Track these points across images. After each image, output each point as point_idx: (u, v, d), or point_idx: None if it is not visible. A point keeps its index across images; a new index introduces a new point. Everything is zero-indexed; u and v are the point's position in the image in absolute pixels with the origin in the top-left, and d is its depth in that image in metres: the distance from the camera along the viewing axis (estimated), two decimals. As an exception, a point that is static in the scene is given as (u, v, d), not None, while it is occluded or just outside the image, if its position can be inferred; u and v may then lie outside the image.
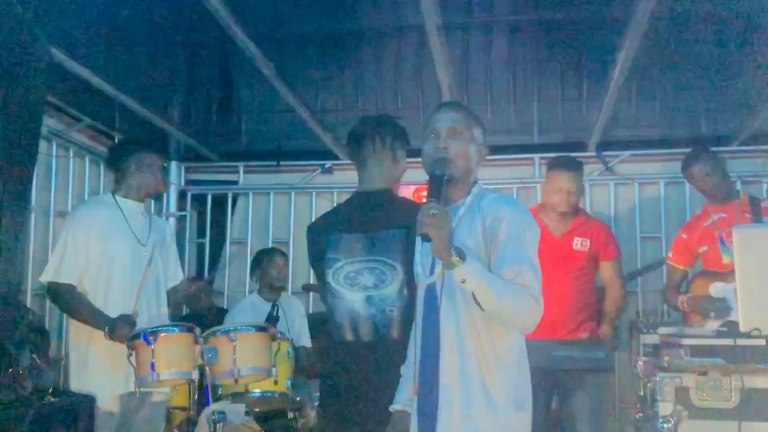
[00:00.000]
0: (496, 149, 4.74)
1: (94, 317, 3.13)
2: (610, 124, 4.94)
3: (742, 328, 2.01)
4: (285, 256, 4.87)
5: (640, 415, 2.20)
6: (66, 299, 3.20)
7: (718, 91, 4.66)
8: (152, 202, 5.75)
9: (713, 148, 4.44)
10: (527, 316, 1.96)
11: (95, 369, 3.16)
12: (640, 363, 2.21)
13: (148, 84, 4.59)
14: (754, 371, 1.98)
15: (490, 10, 3.94)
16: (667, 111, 4.93)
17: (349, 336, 2.50)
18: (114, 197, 3.40)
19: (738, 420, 1.95)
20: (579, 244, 3.80)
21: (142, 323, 3.13)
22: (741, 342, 2.00)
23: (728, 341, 2.02)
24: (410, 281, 2.41)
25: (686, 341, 2.07)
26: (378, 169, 2.70)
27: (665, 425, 1.98)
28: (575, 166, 3.92)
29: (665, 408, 2.00)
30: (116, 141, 5.04)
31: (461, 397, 2.00)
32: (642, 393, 2.19)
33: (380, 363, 2.40)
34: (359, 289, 2.47)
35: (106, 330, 3.08)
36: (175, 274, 3.59)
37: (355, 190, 2.80)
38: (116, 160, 3.51)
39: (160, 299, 3.40)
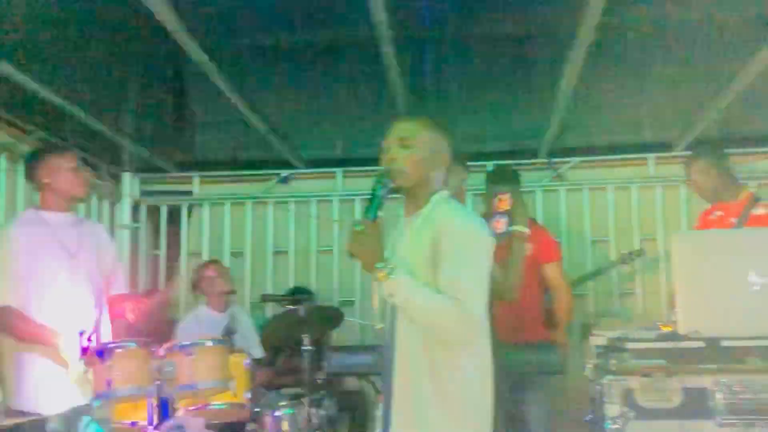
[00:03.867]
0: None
1: (39, 333, 3.06)
2: (559, 132, 5.08)
3: (682, 331, 2.11)
4: (220, 262, 4.86)
5: (590, 416, 2.28)
6: (5, 322, 3.12)
7: (660, 99, 4.84)
8: (99, 210, 5.70)
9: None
10: (456, 328, 1.98)
11: (35, 386, 3.09)
12: (589, 365, 2.29)
13: (99, 96, 4.54)
14: (694, 371, 2.08)
15: (442, 23, 4.01)
16: (613, 118, 5.08)
17: None
18: (38, 212, 3.30)
19: (680, 419, 2.04)
20: None
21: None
22: (681, 344, 2.09)
23: (670, 343, 2.12)
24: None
25: (630, 344, 2.16)
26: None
27: (612, 426, 2.07)
28: (512, 178, 4.01)
29: (612, 409, 2.09)
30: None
31: (412, 407, 2.03)
32: (591, 395, 2.27)
33: None
34: None
35: (57, 342, 3.01)
36: (117, 281, 3.50)
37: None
38: (29, 173, 3.38)
39: (101, 308, 3.31)
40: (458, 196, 3.19)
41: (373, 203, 2.08)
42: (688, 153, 4.22)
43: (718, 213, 3.74)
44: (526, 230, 3.10)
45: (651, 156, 5.49)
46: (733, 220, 3.57)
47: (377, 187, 2.10)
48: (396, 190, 2.15)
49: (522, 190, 5.60)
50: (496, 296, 2.88)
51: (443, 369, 2.01)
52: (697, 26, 4.22)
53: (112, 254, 3.55)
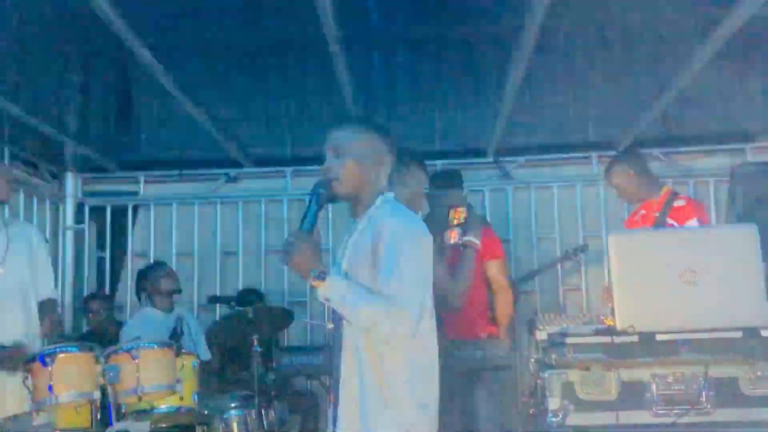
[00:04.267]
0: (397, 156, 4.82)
1: None
2: (506, 132, 5.17)
3: (619, 326, 2.18)
4: (166, 264, 4.79)
5: (533, 410, 2.34)
6: None
7: (603, 99, 4.97)
8: (39, 210, 5.55)
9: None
10: (389, 326, 2.02)
11: None
12: (532, 360, 2.35)
13: (40, 94, 4.43)
14: (630, 365, 2.15)
15: (390, 23, 4.05)
16: (558, 118, 5.20)
17: None
18: None
19: (617, 411, 2.11)
20: None
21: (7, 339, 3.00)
22: (618, 339, 2.17)
23: (606, 338, 2.19)
24: None
25: (570, 339, 2.23)
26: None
27: (554, 419, 2.13)
28: (455, 182, 4.07)
29: (553, 402, 2.15)
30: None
31: (357, 404, 2.07)
32: (534, 389, 2.33)
33: None
34: None
35: None
36: (44, 284, 3.40)
37: None
38: None
39: (28, 313, 3.24)
40: (417, 198, 3.25)
41: (306, 215, 2.12)
42: (608, 161, 4.33)
43: (642, 212, 3.90)
44: (478, 242, 3.19)
45: (594, 155, 5.63)
46: (656, 214, 3.71)
47: (311, 198, 2.13)
48: (335, 199, 2.17)
49: (470, 189, 5.72)
50: (442, 304, 2.98)
51: (386, 365, 2.05)
52: (637, 28, 4.36)
53: (43, 256, 3.44)
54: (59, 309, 3.65)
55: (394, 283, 2.02)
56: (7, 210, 3.42)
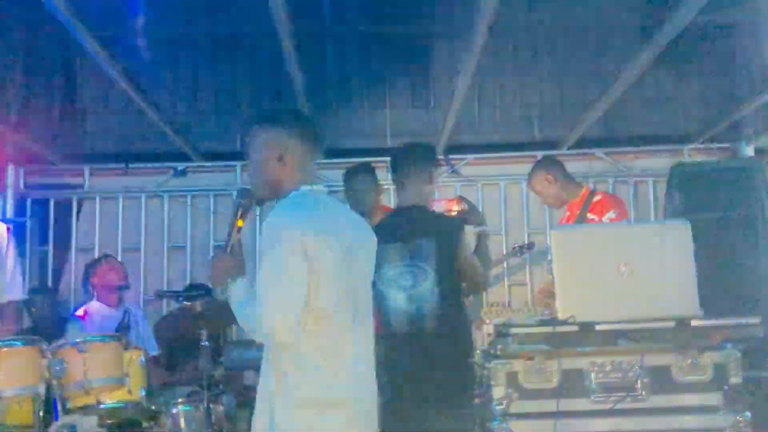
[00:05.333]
0: (352, 152, 4.89)
1: None
2: (455, 129, 5.26)
3: (560, 317, 2.28)
4: (113, 257, 4.72)
5: (479, 399, 2.42)
6: None
7: (548, 99, 5.12)
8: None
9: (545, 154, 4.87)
10: (250, 325, 2.05)
11: None
12: (479, 352, 2.43)
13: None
14: (571, 354, 2.25)
15: (343, 20, 4.08)
16: (505, 117, 5.32)
17: (394, 329, 2.98)
18: None
19: (558, 398, 2.21)
20: None
21: None
22: (559, 329, 2.26)
23: (548, 329, 2.29)
24: (440, 281, 2.99)
25: (514, 330, 2.32)
26: (416, 189, 3.18)
27: (498, 407, 2.21)
28: (362, 170, 4.19)
29: (498, 391, 2.23)
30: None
31: (264, 400, 2.10)
32: (480, 379, 2.41)
33: (419, 349, 2.87)
34: (400, 289, 2.99)
35: None
36: (12, 285, 3.33)
37: (397, 206, 3.34)
38: None
39: None
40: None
41: (231, 227, 2.16)
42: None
43: (567, 214, 4.05)
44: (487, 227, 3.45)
45: (539, 153, 5.77)
46: (577, 212, 3.88)
47: (234, 210, 2.17)
48: (261, 203, 2.19)
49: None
50: (473, 288, 3.20)
51: (281, 365, 2.04)
52: (582, 30, 4.50)
53: (10, 257, 3.36)
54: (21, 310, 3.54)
55: (259, 287, 2.01)
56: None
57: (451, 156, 5.83)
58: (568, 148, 5.65)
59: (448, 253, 3.04)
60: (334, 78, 4.69)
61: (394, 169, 3.31)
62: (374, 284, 2.68)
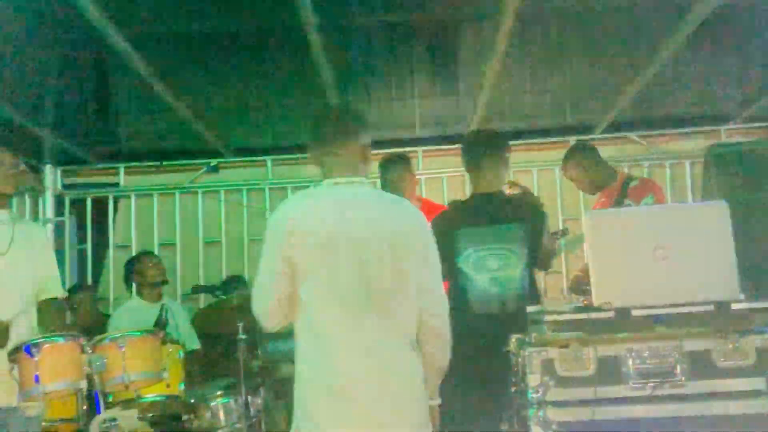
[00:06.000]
0: (382, 143, 4.87)
1: None
2: (485, 117, 5.21)
3: (595, 303, 2.24)
4: (154, 254, 4.79)
5: (514, 388, 2.40)
6: None
7: (580, 83, 5.03)
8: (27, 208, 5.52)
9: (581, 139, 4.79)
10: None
11: None
12: (512, 339, 2.41)
13: (16, 86, 4.39)
14: (607, 340, 2.22)
15: (368, 10, 4.06)
16: (536, 103, 5.25)
17: (478, 310, 3.05)
18: None
19: (595, 386, 2.18)
20: None
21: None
22: (594, 315, 2.23)
23: (584, 315, 2.26)
24: (526, 266, 3.08)
25: (548, 317, 2.29)
26: (493, 175, 3.26)
27: (534, 395, 2.19)
28: (400, 161, 4.17)
29: (534, 379, 2.21)
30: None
31: None
32: (515, 368, 2.39)
33: (502, 331, 2.80)
34: (486, 271, 3.05)
35: None
36: (48, 284, 3.34)
37: (473, 192, 3.38)
38: None
39: (30, 310, 3.19)
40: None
41: None
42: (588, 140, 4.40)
43: (602, 200, 3.99)
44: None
45: (572, 138, 5.69)
46: (614, 198, 3.82)
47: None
48: None
49: (450, 174, 5.77)
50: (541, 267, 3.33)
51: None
52: (614, 11, 4.40)
53: (48, 256, 3.42)
54: (63, 307, 3.61)
55: None
56: (15, 206, 3.37)
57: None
58: (601, 133, 5.57)
59: (534, 238, 3.13)
60: (361, 69, 4.67)
61: (469, 155, 3.37)
62: (458, 266, 2.99)
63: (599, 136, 5.49)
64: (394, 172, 4.06)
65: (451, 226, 3.16)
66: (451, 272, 3.10)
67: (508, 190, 3.52)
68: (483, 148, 3.33)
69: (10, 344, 2.93)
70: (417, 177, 4.45)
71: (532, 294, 3.15)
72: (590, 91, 5.13)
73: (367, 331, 2.18)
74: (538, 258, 3.20)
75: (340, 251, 2.19)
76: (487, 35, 4.15)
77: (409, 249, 2.22)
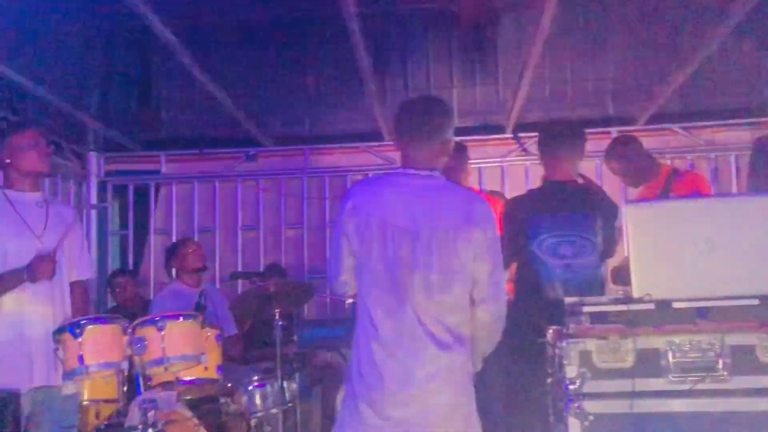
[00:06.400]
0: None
1: (4, 280, 3.02)
2: (525, 107, 5.15)
3: (635, 294, 2.20)
4: (195, 240, 4.84)
5: (551, 379, 2.38)
6: None
7: (622, 73, 4.94)
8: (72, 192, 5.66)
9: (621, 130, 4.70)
10: None
11: (3, 364, 3.01)
12: (550, 330, 2.39)
13: (63, 75, 4.49)
14: (647, 333, 2.18)
15: (406, -1, 4.05)
16: (577, 93, 5.17)
17: (550, 294, 3.03)
18: (3, 191, 3.22)
19: (633, 378, 2.15)
20: None
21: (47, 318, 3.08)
22: (634, 307, 2.20)
23: (623, 307, 2.22)
24: (599, 255, 3.09)
25: (587, 308, 2.26)
26: (570, 165, 3.28)
27: (571, 386, 2.16)
28: (455, 148, 4.09)
29: (571, 371, 2.19)
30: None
31: None
32: (550, 359, 2.37)
33: None
34: (559, 257, 3.06)
35: (26, 273, 2.99)
36: (81, 265, 3.40)
37: (547, 179, 3.35)
38: None
39: (64, 291, 3.26)
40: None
41: None
42: (623, 136, 4.30)
43: (645, 193, 3.92)
44: None
45: (614, 129, 5.59)
46: (658, 192, 3.75)
47: None
48: None
49: (488, 164, 5.74)
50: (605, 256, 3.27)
51: None
52: (657, 1, 4.31)
53: (79, 237, 3.49)
54: (92, 290, 3.69)
55: None
56: (47, 188, 3.46)
57: (520, 134, 5.73)
58: (643, 124, 5.46)
59: (608, 229, 3.13)
60: (398, 57, 4.66)
61: (546, 143, 3.37)
62: (531, 250, 3.07)
63: (641, 128, 5.39)
64: (450, 160, 4.01)
65: (526, 211, 3.20)
66: (524, 256, 3.14)
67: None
68: (560, 136, 3.32)
69: (56, 325, 3.01)
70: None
71: (601, 287, 3.17)
72: (633, 81, 5.04)
73: (403, 321, 2.24)
74: (607, 247, 3.21)
75: (387, 240, 2.25)
76: (528, 23, 4.10)
77: (464, 242, 2.24)
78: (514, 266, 3.28)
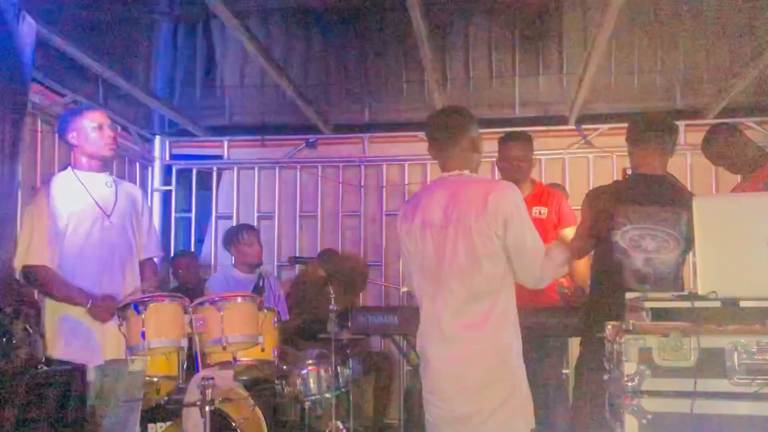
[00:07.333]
0: (480, 123, 4.81)
1: (72, 295, 3.16)
2: (589, 98, 5.04)
3: (700, 292, 2.13)
4: (255, 231, 4.88)
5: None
6: (41, 281, 3.20)
7: (692, 65, 4.77)
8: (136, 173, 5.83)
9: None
10: None
11: (70, 341, 3.18)
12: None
13: (131, 59, 4.62)
14: (711, 332, 2.10)
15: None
16: (643, 84, 5.03)
17: (630, 286, 3.00)
18: (74, 171, 3.34)
19: (695, 377, 2.07)
20: (537, 212, 3.91)
21: (117, 294, 3.20)
22: (698, 304, 2.12)
23: (687, 304, 2.15)
24: (681, 251, 3.04)
25: (649, 304, 2.20)
26: (659, 159, 3.21)
27: (630, 383, 2.11)
28: (523, 137, 4.01)
29: (630, 367, 2.13)
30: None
31: None
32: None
33: None
34: (641, 250, 3.04)
35: (89, 305, 3.13)
36: (150, 243, 3.52)
37: (633, 172, 3.31)
38: (61, 134, 3.40)
39: (134, 269, 3.39)
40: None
41: None
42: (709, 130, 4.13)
43: (746, 184, 3.74)
44: None
45: (681, 123, 5.41)
46: (761, 185, 3.57)
47: None
48: None
49: (550, 156, 5.64)
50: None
51: None
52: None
53: (147, 217, 3.60)
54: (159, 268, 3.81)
55: None
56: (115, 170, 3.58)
57: (583, 126, 5.62)
58: (714, 118, 5.27)
59: (691, 226, 3.02)
60: (461, 47, 4.61)
61: (637, 136, 3.28)
62: (613, 240, 3.07)
63: (711, 121, 5.20)
64: (516, 150, 3.94)
65: (611, 201, 3.16)
66: (605, 245, 3.11)
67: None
68: (650, 129, 3.23)
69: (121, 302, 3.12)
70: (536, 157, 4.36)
71: (680, 283, 3.10)
72: (703, 73, 4.86)
73: (440, 307, 2.58)
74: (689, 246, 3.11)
75: (426, 238, 2.62)
76: (594, 11, 4.00)
77: (481, 227, 2.52)
78: (589, 255, 3.30)
